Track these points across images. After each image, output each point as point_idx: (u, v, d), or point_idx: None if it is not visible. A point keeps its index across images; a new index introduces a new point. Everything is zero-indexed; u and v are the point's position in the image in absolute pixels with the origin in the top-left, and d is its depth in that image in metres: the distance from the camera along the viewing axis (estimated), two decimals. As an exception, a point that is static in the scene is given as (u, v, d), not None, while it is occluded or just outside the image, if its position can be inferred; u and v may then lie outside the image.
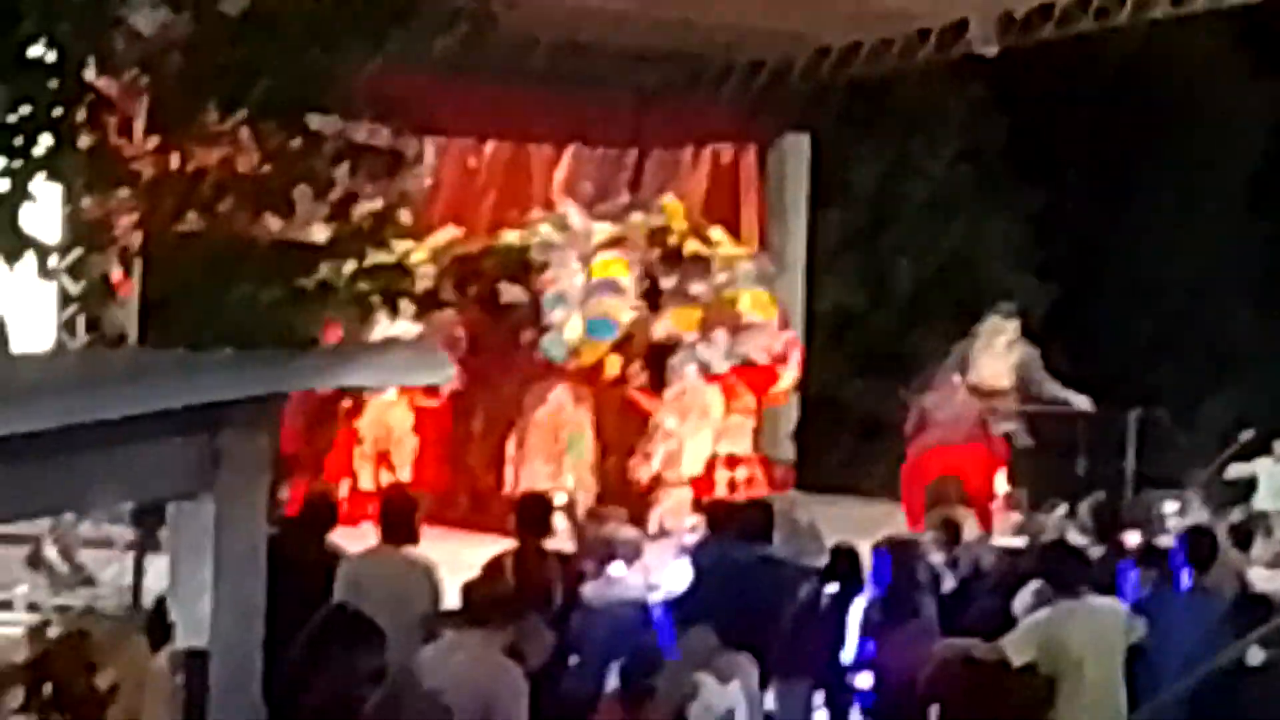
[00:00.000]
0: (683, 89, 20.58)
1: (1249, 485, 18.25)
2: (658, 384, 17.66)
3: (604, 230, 17.99)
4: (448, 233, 18.14)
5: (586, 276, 17.45)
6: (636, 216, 18.47)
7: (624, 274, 17.66)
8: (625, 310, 17.48)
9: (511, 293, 17.43)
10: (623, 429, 17.65)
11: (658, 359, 17.72)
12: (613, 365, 17.46)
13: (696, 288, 17.99)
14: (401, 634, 9.32)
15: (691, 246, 18.33)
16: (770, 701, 10.49)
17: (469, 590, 9.59)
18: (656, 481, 17.24)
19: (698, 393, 17.65)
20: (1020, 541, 13.43)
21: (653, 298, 18.01)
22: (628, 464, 17.46)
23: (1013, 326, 18.29)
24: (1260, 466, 18.30)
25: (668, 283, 18.07)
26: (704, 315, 17.86)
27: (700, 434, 17.60)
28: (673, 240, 18.43)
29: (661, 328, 17.77)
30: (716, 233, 18.91)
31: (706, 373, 17.72)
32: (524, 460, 17.03)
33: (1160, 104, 24.15)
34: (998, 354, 18.14)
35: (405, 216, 10.41)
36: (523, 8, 8.12)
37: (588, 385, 17.37)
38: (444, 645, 8.68)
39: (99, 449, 4.64)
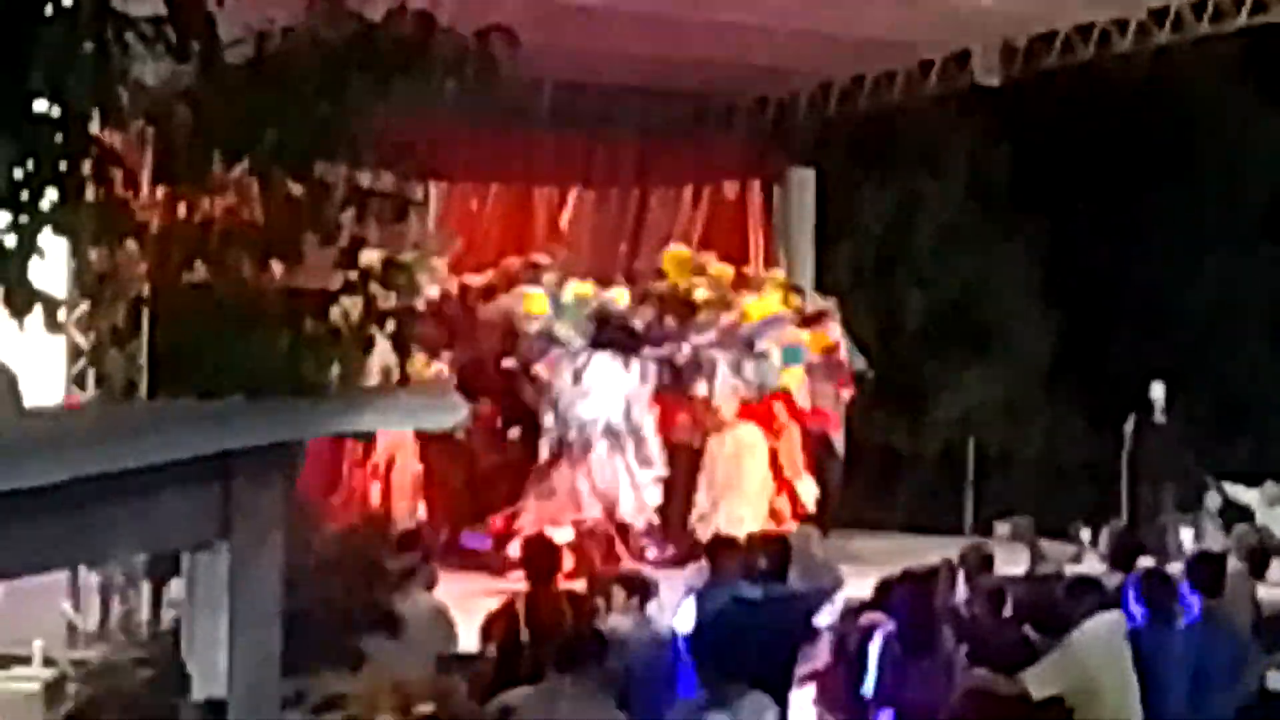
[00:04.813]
0: (687, 127, 20.60)
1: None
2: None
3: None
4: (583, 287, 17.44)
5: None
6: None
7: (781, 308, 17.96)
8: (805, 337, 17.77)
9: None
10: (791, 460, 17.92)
11: None
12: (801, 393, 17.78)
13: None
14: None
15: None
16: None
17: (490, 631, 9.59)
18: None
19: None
20: (1046, 568, 13.39)
21: None
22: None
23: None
24: (1251, 496, 18.28)
25: None
26: None
27: None
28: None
29: None
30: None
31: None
32: (717, 502, 17.00)
33: (1167, 131, 24.07)
34: None
35: (411, 259, 10.45)
36: (526, 51, 8.10)
37: (760, 418, 17.44)
38: (540, 694, 8.64)
39: (113, 501, 4.64)
